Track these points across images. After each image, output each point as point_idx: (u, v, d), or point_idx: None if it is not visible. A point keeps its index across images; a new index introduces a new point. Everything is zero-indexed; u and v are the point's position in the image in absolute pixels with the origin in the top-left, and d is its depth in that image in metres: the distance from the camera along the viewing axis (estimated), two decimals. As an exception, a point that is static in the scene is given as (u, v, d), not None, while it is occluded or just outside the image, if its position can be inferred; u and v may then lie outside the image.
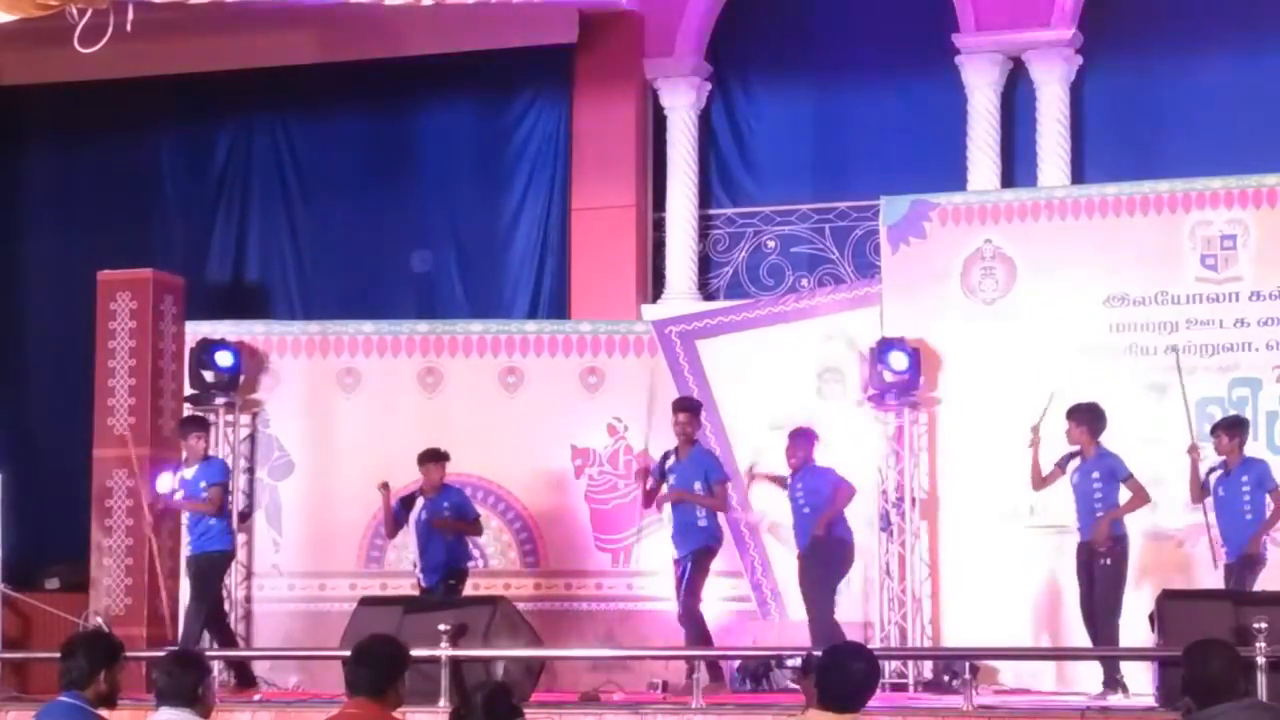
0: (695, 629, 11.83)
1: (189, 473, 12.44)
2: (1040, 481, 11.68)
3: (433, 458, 12.38)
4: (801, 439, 12.11)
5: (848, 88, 15.26)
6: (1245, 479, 11.28)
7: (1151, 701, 10.15)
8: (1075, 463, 11.50)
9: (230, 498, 12.78)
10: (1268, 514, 11.18)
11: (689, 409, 12.34)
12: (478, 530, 12.71)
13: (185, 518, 12.77)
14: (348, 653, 6.44)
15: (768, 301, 14.24)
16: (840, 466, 12.33)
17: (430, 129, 16.12)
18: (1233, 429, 11.42)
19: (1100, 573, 11.19)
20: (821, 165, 15.41)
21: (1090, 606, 11.27)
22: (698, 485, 12.05)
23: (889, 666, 12.18)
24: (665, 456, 12.23)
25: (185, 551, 12.72)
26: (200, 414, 13.18)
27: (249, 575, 13.51)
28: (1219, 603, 10.07)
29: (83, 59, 10.09)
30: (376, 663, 6.24)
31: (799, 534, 12.04)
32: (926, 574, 12.74)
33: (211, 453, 12.79)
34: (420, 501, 12.39)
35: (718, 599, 13.08)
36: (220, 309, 14.85)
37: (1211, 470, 11.45)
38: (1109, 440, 11.55)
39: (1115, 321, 12.59)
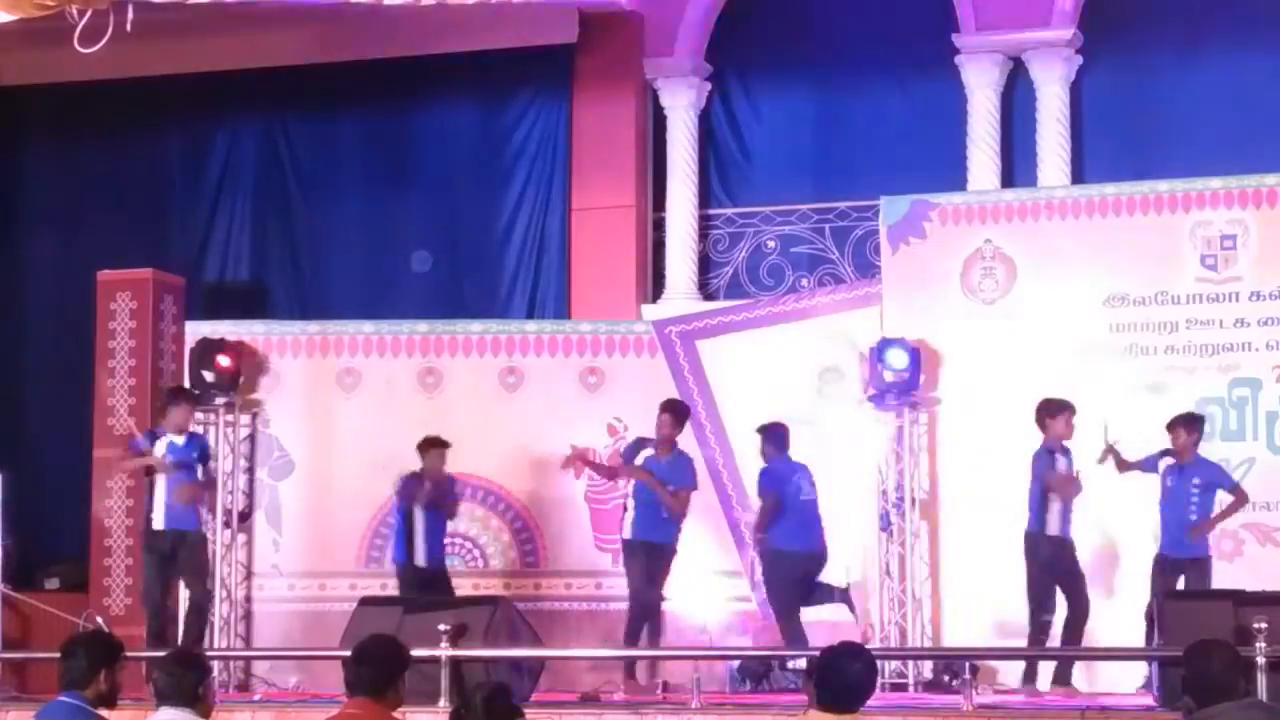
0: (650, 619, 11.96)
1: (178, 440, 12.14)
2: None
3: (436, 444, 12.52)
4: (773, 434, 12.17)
5: (848, 88, 15.26)
6: (1196, 480, 11.39)
7: (1151, 701, 10.14)
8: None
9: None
10: (1217, 509, 11.37)
11: (674, 411, 12.36)
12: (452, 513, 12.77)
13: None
14: (348, 653, 6.45)
15: (768, 301, 14.24)
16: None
17: (430, 129, 16.12)
18: (1190, 424, 11.47)
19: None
20: (821, 165, 15.41)
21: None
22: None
23: (889, 666, 12.18)
24: (640, 445, 12.29)
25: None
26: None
27: (249, 575, 13.52)
28: (1219, 603, 10.07)
29: (83, 59, 10.08)
30: (376, 663, 6.24)
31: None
32: (926, 574, 12.74)
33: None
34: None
35: (718, 599, 13.10)
36: (220, 309, 14.85)
37: (1164, 454, 11.50)
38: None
39: (1115, 321, 12.60)
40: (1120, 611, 11.44)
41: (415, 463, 12.49)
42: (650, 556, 12.13)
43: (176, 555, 11.98)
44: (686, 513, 12.24)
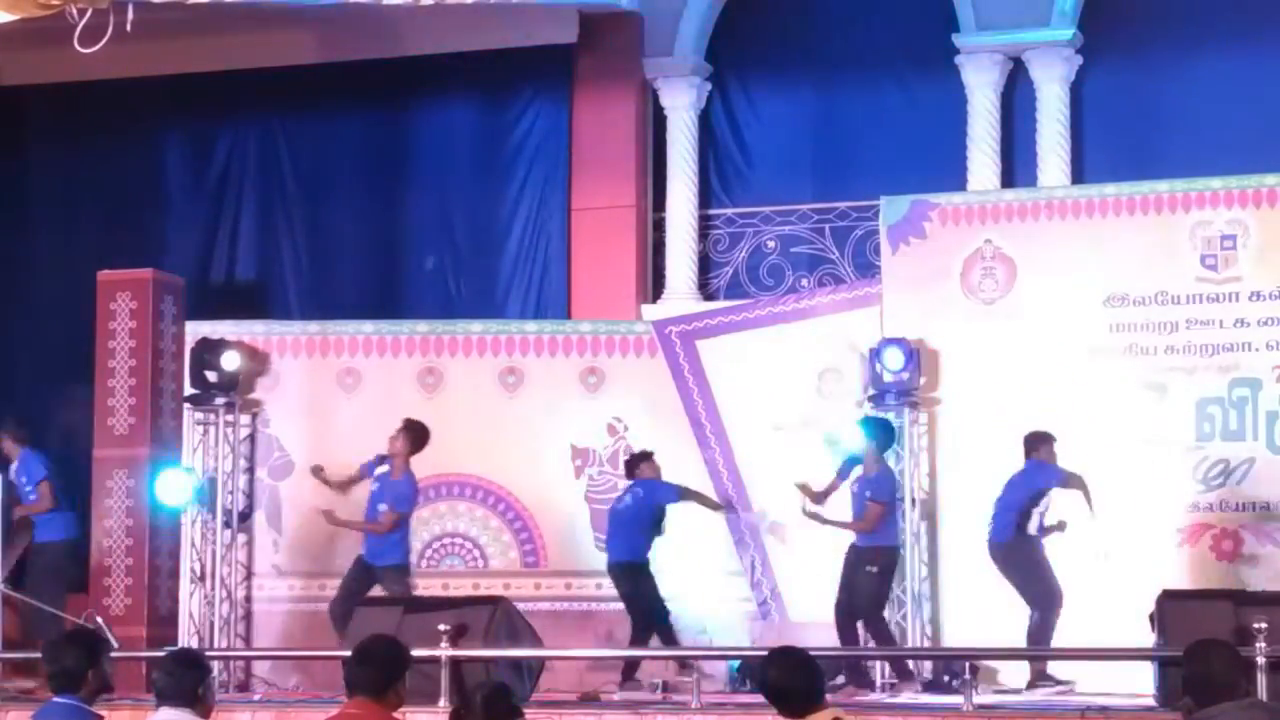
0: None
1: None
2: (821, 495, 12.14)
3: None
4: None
5: (848, 88, 15.26)
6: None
7: (1151, 701, 10.14)
8: (857, 471, 12.07)
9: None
10: None
11: (404, 428, 12.43)
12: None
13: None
14: (348, 653, 6.44)
15: (768, 301, 14.23)
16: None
17: (430, 129, 16.12)
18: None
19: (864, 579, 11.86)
20: (821, 165, 15.41)
21: (852, 608, 11.84)
22: (382, 507, 12.33)
23: (889, 666, 12.17)
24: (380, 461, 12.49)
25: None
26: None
27: (249, 575, 13.52)
28: (1219, 603, 10.07)
29: (83, 59, 10.07)
30: (377, 663, 6.24)
31: None
32: (926, 574, 12.73)
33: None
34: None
35: (718, 599, 13.10)
36: (220, 309, 14.84)
37: None
38: (1109, 439, 11.61)
39: (1115, 321, 12.59)
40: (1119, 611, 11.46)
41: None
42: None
43: None
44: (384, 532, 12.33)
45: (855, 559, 11.94)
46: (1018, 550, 11.84)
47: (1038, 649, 11.56)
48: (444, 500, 13.31)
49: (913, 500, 12.73)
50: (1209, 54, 14.37)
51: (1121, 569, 12.07)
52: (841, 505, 12.20)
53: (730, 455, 13.32)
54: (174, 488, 13.20)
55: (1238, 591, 10.55)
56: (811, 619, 12.54)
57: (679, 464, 13.35)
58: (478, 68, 15.75)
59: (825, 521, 12.05)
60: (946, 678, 11.68)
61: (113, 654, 6.78)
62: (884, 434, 12.23)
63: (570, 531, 13.51)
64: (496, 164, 15.90)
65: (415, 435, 12.38)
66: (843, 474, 12.21)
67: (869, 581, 11.87)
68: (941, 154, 14.79)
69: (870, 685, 11.91)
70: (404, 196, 16.14)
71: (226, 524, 13.37)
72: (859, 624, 11.91)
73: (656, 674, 12.29)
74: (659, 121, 15.75)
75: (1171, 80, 14.52)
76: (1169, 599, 10.34)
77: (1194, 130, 14.23)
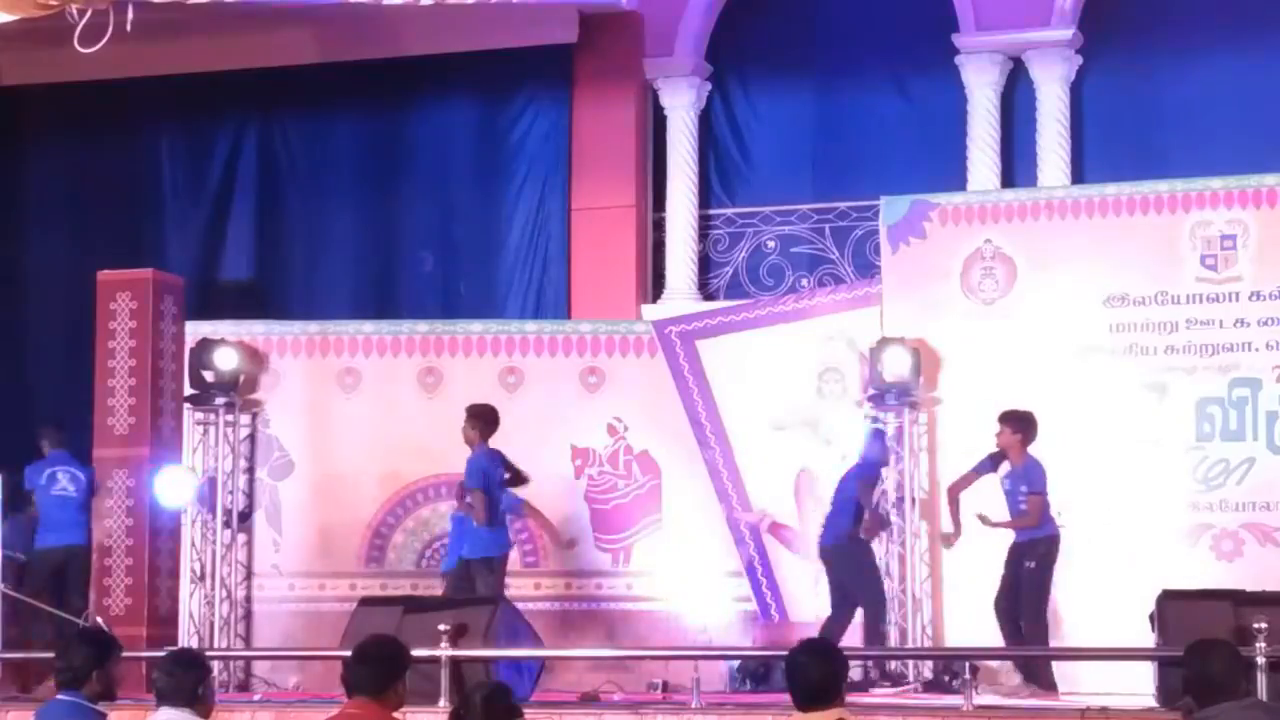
0: None
1: None
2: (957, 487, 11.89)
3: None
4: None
5: (848, 88, 15.27)
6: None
7: (1151, 701, 10.14)
8: (1005, 467, 11.67)
9: None
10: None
11: (470, 416, 12.36)
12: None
13: None
14: (348, 653, 6.44)
15: (768, 301, 14.24)
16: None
17: (430, 129, 16.12)
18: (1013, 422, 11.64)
19: (1025, 574, 11.42)
20: (821, 165, 15.42)
21: (1011, 606, 11.48)
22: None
23: (889, 666, 12.16)
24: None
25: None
26: None
27: (249, 575, 13.52)
28: (1219, 603, 10.05)
29: (83, 59, 10.09)
30: (376, 663, 6.24)
31: None
32: (926, 574, 12.73)
33: None
34: None
35: (718, 599, 13.10)
36: (220, 309, 14.85)
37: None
38: (1109, 439, 11.59)
39: (1115, 321, 12.58)
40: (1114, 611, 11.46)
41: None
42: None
43: None
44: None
45: (1017, 555, 11.52)
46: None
47: (1038, 649, 11.53)
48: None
49: (912, 500, 12.73)
50: (1209, 54, 14.38)
51: (1121, 569, 12.07)
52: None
53: (730, 455, 13.32)
54: (174, 488, 13.22)
55: (1238, 591, 10.52)
56: (812, 619, 12.53)
57: (679, 464, 13.38)
58: (478, 68, 15.75)
59: (994, 524, 11.53)
60: (946, 678, 11.68)
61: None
62: (1028, 426, 11.76)
63: (570, 531, 13.50)
64: (496, 164, 15.90)
65: (482, 419, 12.29)
66: (982, 469, 11.84)
67: (1030, 578, 11.45)
68: (941, 154, 14.80)
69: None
70: (403, 196, 16.14)
71: (226, 524, 13.37)
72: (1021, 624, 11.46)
73: (657, 674, 12.29)
74: (659, 121, 15.76)
75: (1171, 80, 14.53)
76: (1169, 599, 10.34)
77: (1194, 130, 14.24)
